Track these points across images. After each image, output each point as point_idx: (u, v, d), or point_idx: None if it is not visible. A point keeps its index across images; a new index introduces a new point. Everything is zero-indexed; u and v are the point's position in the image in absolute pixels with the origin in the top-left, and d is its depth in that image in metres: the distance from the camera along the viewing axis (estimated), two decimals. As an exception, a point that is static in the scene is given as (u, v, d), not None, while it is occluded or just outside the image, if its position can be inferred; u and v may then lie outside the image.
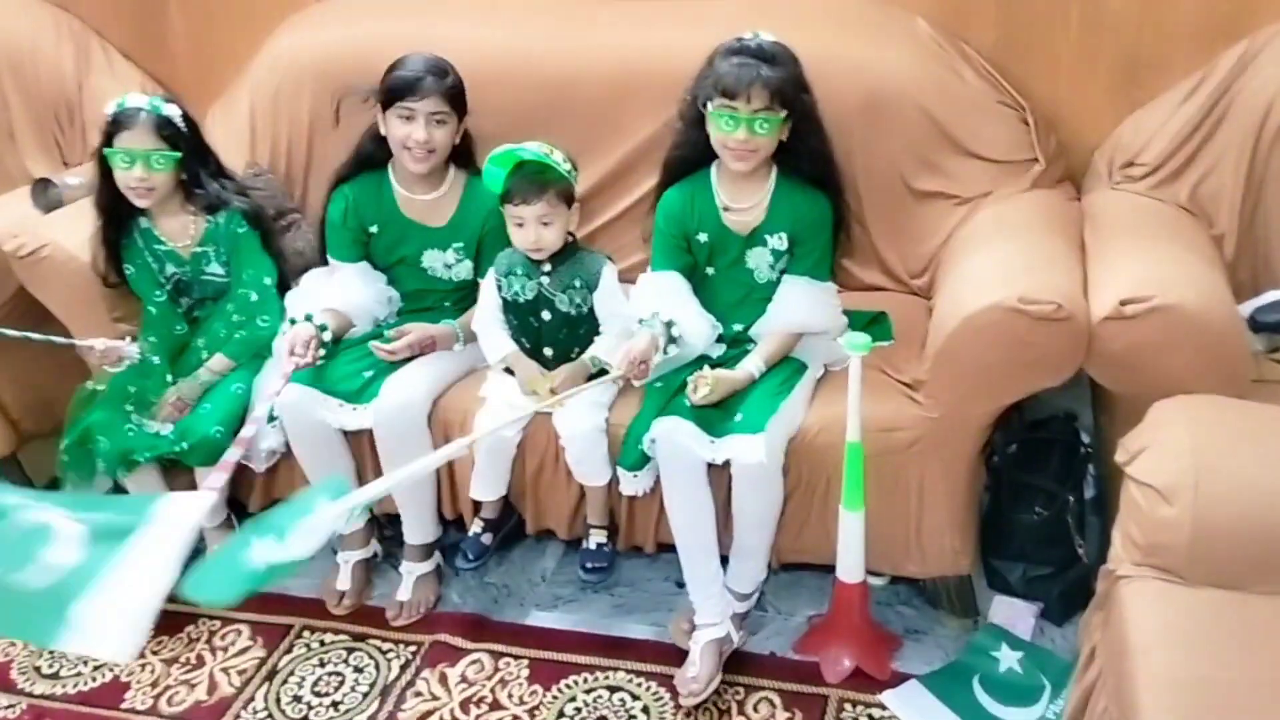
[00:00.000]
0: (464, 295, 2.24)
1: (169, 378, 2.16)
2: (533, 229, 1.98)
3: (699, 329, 2.04)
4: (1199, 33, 2.17)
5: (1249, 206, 2.10)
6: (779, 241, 2.04)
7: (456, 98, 2.13)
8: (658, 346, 1.95)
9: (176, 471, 2.21)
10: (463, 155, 2.21)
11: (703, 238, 2.06)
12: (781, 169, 2.04)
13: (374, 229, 2.22)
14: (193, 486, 2.24)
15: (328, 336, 2.11)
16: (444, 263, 2.24)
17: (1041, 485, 2.12)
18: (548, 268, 2.04)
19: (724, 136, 1.94)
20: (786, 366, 2.05)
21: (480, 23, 2.43)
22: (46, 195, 2.38)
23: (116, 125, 2.11)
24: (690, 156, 2.06)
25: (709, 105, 1.94)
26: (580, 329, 2.07)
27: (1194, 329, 1.72)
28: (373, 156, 2.21)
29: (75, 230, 2.24)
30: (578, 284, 2.04)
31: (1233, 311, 1.80)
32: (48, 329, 2.23)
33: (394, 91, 2.09)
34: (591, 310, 2.06)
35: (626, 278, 2.20)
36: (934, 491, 1.95)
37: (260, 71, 2.55)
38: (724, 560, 2.03)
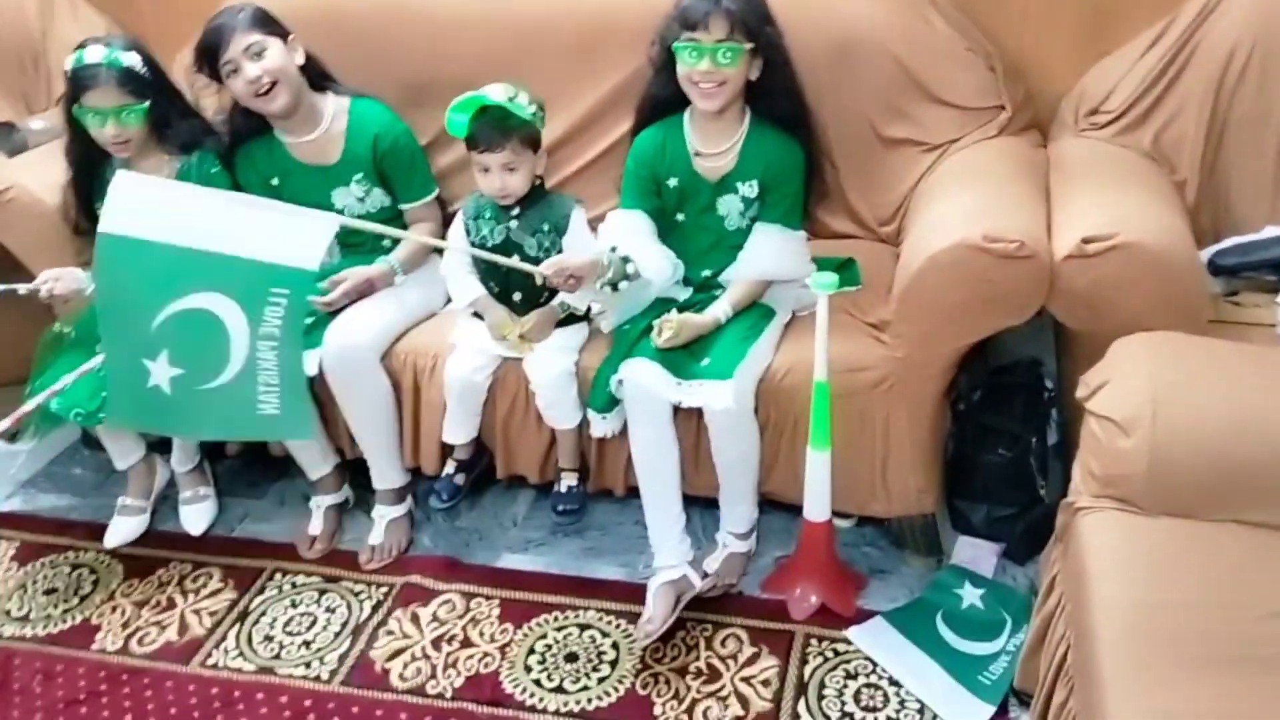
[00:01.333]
0: (392, 224, 2.22)
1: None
2: (498, 175, 1.98)
3: (659, 266, 2.04)
4: (1163, -21, 2.19)
5: (1210, 153, 2.12)
6: (749, 189, 2.05)
7: (262, 22, 2.12)
8: (601, 272, 1.93)
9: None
10: (320, 77, 2.20)
11: (673, 182, 2.07)
12: (754, 114, 2.05)
13: (275, 181, 2.22)
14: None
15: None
16: (354, 197, 2.24)
17: (1005, 428, 2.16)
18: (516, 211, 2.05)
19: (689, 70, 1.94)
20: (754, 311, 2.06)
21: (451, -34, 2.42)
22: (10, 140, 2.37)
23: (79, 84, 2.08)
24: (662, 97, 2.06)
25: (674, 43, 1.94)
26: (549, 273, 2.08)
27: (1154, 267, 1.75)
28: (250, 127, 2.21)
29: (41, 174, 2.23)
30: (546, 228, 2.05)
31: (1192, 251, 1.83)
32: (13, 275, 2.21)
33: (208, 57, 2.11)
34: (560, 254, 2.06)
35: (599, 222, 2.21)
36: (899, 432, 1.98)
37: (226, 17, 2.52)
38: (714, 504, 2.07)
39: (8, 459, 2.52)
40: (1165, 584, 1.45)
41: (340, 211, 2.21)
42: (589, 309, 2.09)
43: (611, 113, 2.34)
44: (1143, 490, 1.55)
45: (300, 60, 2.16)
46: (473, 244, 2.08)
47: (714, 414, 1.94)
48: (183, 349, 1.79)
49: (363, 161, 2.20)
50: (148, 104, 2.12)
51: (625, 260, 1.96)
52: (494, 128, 1.96)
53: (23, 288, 2.07)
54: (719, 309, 2.02)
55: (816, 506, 2.00)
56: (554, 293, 2.07)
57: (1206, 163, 2.13)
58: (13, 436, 2.48)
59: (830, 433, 1.92)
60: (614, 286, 1.96)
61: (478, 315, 2.10)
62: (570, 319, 2.09)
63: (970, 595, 2.03)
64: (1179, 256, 1.78)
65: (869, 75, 2.22)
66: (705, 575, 2.02)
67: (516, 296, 2.10)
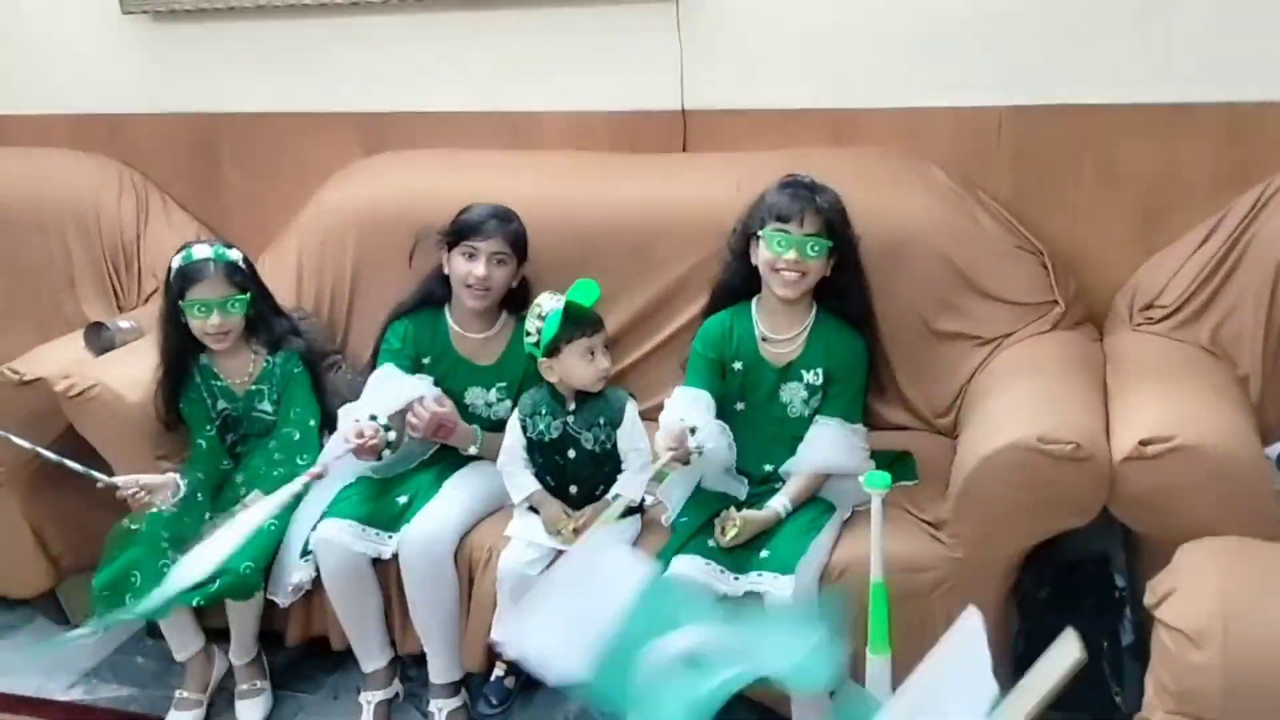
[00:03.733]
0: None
1: (205, 515, 2.21)
2: (602, 356, 2.06)
3: (719, 442, 2.05)
4: (1212, 180, 2.23)
5: (1272, 347, 2.10)
6: (814, 377, 2.10)
7: (517, 242, 2.26)
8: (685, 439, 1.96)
9: (205, 607, 2.24)
10: (517, 301, 2.31)
11: (738, 366, 2.12)
12: (821, 308, 2.12)
13: (427, 360, 2.30)
14: (224, 622, 2.27)
15: (392, 436, 2.13)
16: (485, 400, 2.31)
17: (1074, 628, 2.07)
18: (572, 406, 2.09)
19: (775, 257, 2.04)
20: (814, 506, 2.05)
21: (513, 176, 2.55)
22: (99, 338, 2.49)
23: (186, 279, 2.22)
24: (735, 285, 2.17)
25: (761, 231, 2.05)
26: (605, 466, 2.10)
27: (1217, 469, 1.71)
28: (434, 295, 2.32)
29: (124, 372, 2.33)
30: (601, 421, 2.09)
31: (1257, 452, 1.79)
32: (92, 467, 2.28)
33: (461, 231, 2.24)
34: (614, 447, 2.09)
35: (651, 416, 2.24)
36: (962, 635, 1.92)
37: (308, 222, 2.68)
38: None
39: (73, 646, 2.55)
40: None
41: (465, 407, 2.29)
42: (643, 502, 2.10)
43: (665, 309, 2.41)
44: (1219, 708, 1.48)
45: (515, 284, 2.29)
46: (530, 439, 2.12)
47: (773, 604, 1.90)
48: None
49: (511, 374, 2.29)
50: (250, 295, 2.25)
51: (693, 430, 1.98)
52: (587, 314, 2.05)
53: (102, 480, 2.12)
54: (778, 503, 2.02)
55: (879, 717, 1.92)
56: (609, 486, 2.09)
57: (1269, 357, 2.11)
58: (67, 623, 2.53)
59: (890, 635, 1.86)
60: (684, 462, 1.98)
61: (534, 510, 2.12)
62: (625, 513, 2.09)
63: (1045, 813, 1.91)
64: (1243, 457, 1.74)
65: (920, 271, 2.26)
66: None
67: (573, 490, 2.12)
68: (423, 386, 2.23)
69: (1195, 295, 2.17)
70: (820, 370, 2.09)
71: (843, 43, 2.42)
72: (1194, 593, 1.56)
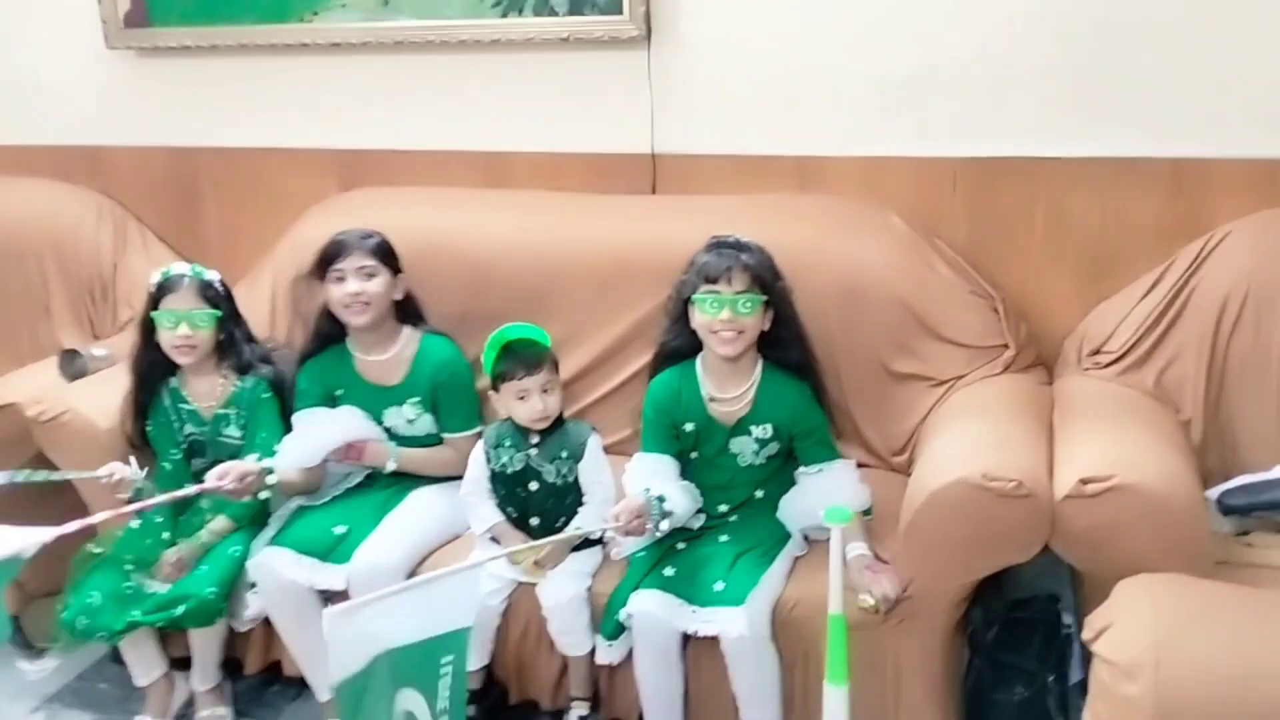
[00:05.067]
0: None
1: (165, 535, 2.24)
2: (538, 398, 2.09)
3: (685, 505, 2.10)
4: (1158, 231, 2.32)
5: (1213, 393, 2.17)
6: (763, 431, 2.13)
7: (381, 252, 2.32)
8: (648, 512, 1.99)
9: (171, 632, 2.26)
10: (411, 315, 2.38)
11: (689, 427, 2.14)
12: (766, 361, 2.15)
13: (340, 393, 2.36)
14: (186, 648, 2.29)
15: (271, 479, 2.20)
16: (405, 418, 2.36)
17: (1022, 665, 2.12)
18: (536, 439, 2.13)
19: (709, 320, 2.06)
20: (768, 537, 2.10)
21: (486, 215, 2.62)
22: (73, 365, 2.53)
23: (162, 290, 2.28)
24: (676, 346, 2.18)
25: (694, 295, 2.07)
26: (566, 498, 2.14)
27: (1154, 509, 1.77)
28: (329, 333, 2.38)
29: (96, 399, 2.37)
30: (564, 454, 2.13)
31: (1193, 492, 1.85)
32: (60, 493, 2.30)
33: (325, 260, 2.31)
34: (577, 480, 2.13)
35: (615, 451, 2.29)
36: (911, 668, 1.97)
37: (283, 255, 2.73)
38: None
39: (30, 671, 2.56)
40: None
41: (388, 430, 2.36)
42: (603, 535, 2.14)
43: (630, 347, 2.46)
44: (1150, 740, 1.52)
45: (398, 296, 2.36)
46: (493, 471, 2.16)
47: (729, 642, 1.94)
48: None
49: (421, 388, 2.34)
50: (220, 314, 2.30)
51: (660, 500, 2.01)
52: (530, 353, 2.09)
53: (81, 475, 2.19)
54: (854, 549, 1.99)
55: (837, 745, 1.95)
56: (570, 518, 2.13)
57: (1210, 403, 2.18)
58: (40, 653, 2.54)
59: (848, 667, 1.90)
60: (656, 529, 2.00)
61: (495, 540, 2.16)
62: (584, 544, 2.13)
63: (990, 845, 1.95)
64: (1180, 498, 1.80)
65: (877, 316, 2.32)
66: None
67: (534, 522, 2.16)
68: (344, 426, 2.30)
69: (1140, 342, 2.24)
70: (770, 425, 2.12)
71: (807, 92, 2.50)
72: (1128, 627, 1.60)
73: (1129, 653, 1.56)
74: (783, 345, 2.14)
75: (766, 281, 2.08)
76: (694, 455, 2.17)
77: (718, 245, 2.11)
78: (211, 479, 2.16)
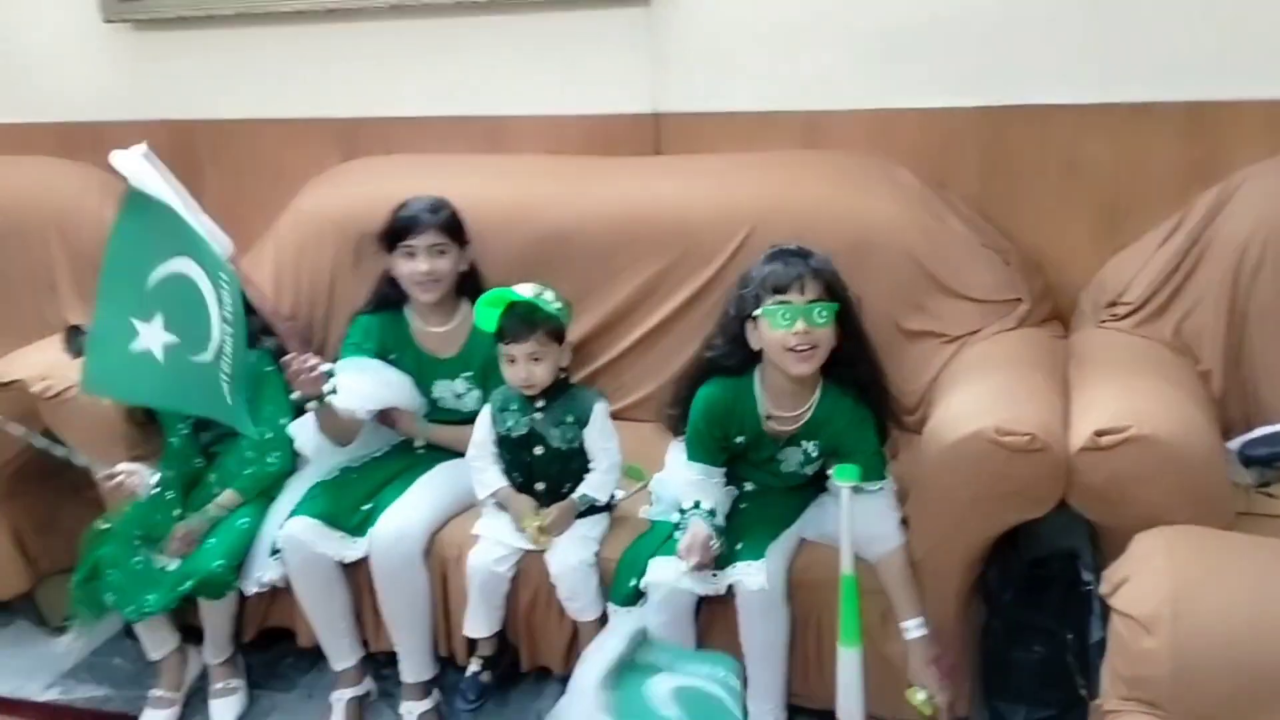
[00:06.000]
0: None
1: (176, 512, 2.23)
2: (524, 365, 2.06)
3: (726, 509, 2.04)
4: (1174, 178, 2.26)
5: (1233, 343, 2.12)
6: (812, 448, 2.03)
7: (451, 228, 2.28)
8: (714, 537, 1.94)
9: (180, 606, 2.26)
10: (472, 288, 2.32)
11: (740, 440, 2.03)
12: (827, 380, 1.98)
13: (392, 356, 2.33)
14: (197, 619, 2.29)
15: (330, 386, 2.12)
16: (453, 392, 2.33)
17: (1041, 624, 2.08)
18: (540, 404, 2.11)
19: (783, 334, 1.87)
20: (788, 508, 2.06)
21: (487, 180, 2.58)
22: (78, 341, 2.51)
23: None
24: (727, 365, 1.99)
25: (758, 311, 1.89)
26: (572, 464, 2.12)
27: (1171, 460, 1.72)
28: (389, 297, 2.35)
29: (100, 374, 2.36)
30: (569, 420, 2.10)
31: (1211, 444, 1.81)
32: (68, 469, 2.30)
33: (395, 233, 2.26)
34: (582, 446, 2.10)
35: (623, 416, 2.27)
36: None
37: (286, 226, 2.71)
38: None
39: (53, 647, 2.57)
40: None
41: (434, 402, 2.34)
42: (611, 500, 2.12)
43: (636, 311, 2.44)
44: (1168, 694, 1.49)
45: (464, 268, 2.32)
46: (499, 434, 2.14)
47: (747, 595, 1.92)
48: (175, 315, 1.83)
49: (475, 362, 2.31)
50: None
51: (712, 513, 1.97)
52: (521, 320, 2.05)
53: (71, 455, 2.18)
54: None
55: (850, 708, 1.93)
56: (576, 484, 2.11)
57: (1230, 353, 2.13)
58: (60, 630, 2.55)
59: (860, 629, 1.88)
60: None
61: (502, 506, 2.14)
62: (590, 510, 2.11)
63: (1009, 804, 1.93)
64: (1197, 449, 1.76)
65: (887, 271, 2.28)
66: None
67: (540, 487, 2.13)
68: (396, 391, 2.27)
69: (1158, 292, 2.19)
70: (818, 443, 2.01)
71: (811, 46, 2.45)
72: (1145, 580, 1.57)
73: (1146, 606, 1.53)
74: (848, 362, 1.95)
75: (836, 289, 1.90)
76: (738, 458, 2.08)
77: (781, 253, 1.92)
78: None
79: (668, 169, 2.55)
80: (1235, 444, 2.01)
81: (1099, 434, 1.74)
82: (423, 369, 2.33)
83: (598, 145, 2.63)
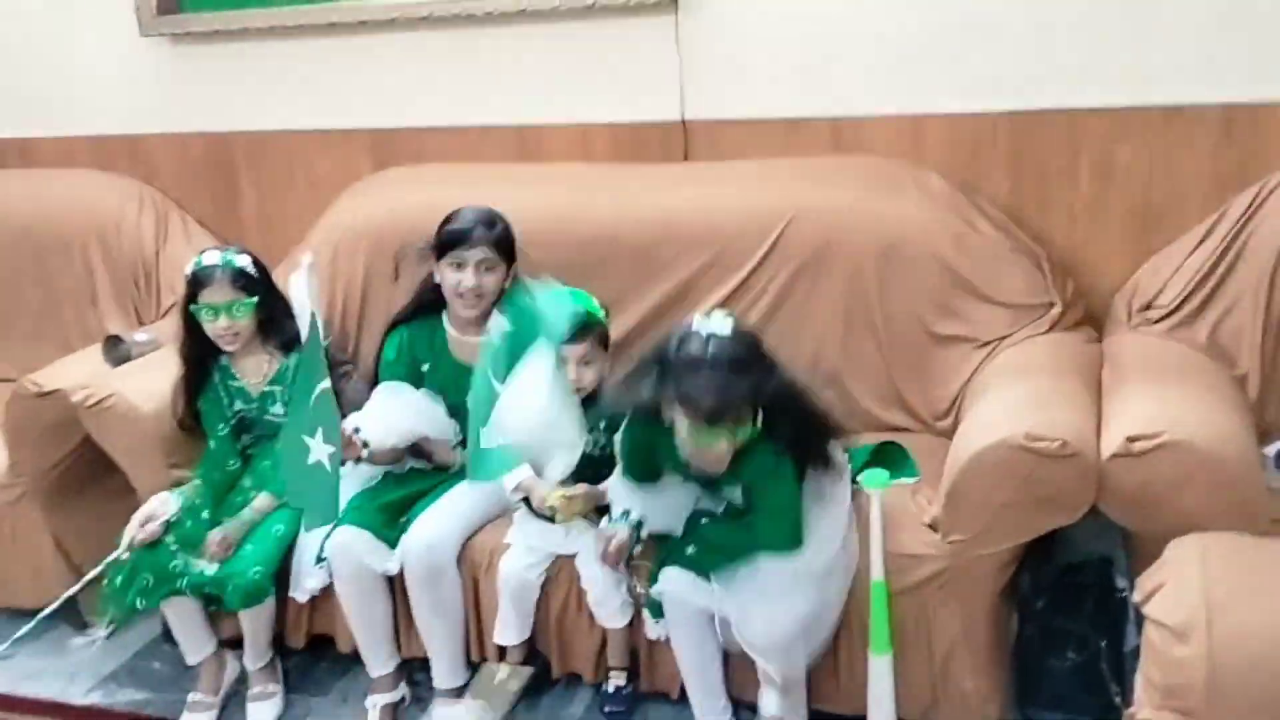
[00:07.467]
0: None
1: (205, 515, 2.26)
2: (574, 367, 2.07)
3: (668, 521, 2.04)
4: (1208, 181, 2.24)
5: (1270, 346, 2.10)
6: (734, 493, 2.00)
7: (504, 245, 2.28)
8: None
9: (219, 612, 2.29)
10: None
11: (669, 469, 2.00)
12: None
13: (425, 367, 2.34)
14: (235, 626, 2.32)
15: (366, 454, 2.17)
16: None
17: (1074, 630, 2.07)
18: (574, 410, 2.12)
19: (700, 450, 1.85)
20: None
21: (520, 188, 2.59)
22: (116, 351, 2.56)
23: (197, 284, 2.30)
24: (651, 410, 1.91)
25: (674, 412, 1.84)
26: (603, 469, 2.12)
27: (1205, 466, 1.71)
28: (429, 304, 2.36)
29: (140, 383, 2.39)
30: (601, 425, 2.12)
31: (1247, 449, 1.79)
32: (109, 475, 2.39)
33: (447, 242, 2.26)
34: (613, 453, 2.11)
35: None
36: (956, 636, 1.93)
37: (320, 235, 2.74)
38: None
39: (93, 651, 2.61)
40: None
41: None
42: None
43: (667, 316, 2.42)
44: (1204, 702, 1.47)
45: (507, 284, 2.30)
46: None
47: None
48: (327, 427, 1.94)
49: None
50: (256, 300, 2.31)
51: (639, 524, 2.00)
52: (579, 322, 2.05)
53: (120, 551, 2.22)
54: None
55: (881, 716, 1.93)
56: (600, 476, 2.10)
57: (1267, 356, 2.10)
58: (84, 625, 2.59)
59: (890, 635, 1.87)
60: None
61: (526, 502, 2.13)
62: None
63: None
64: (1232, 454, 1.74)
65: (917, 276, 2.28)
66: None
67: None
68: (428, 420, 2.28)
69: (1193, 295, 2.16)
70: (738, 488, 1.98)
71: (840, 52, 2.45)
72: (1180, 587, 1.55)
73: (1180, 614, 1.52)
74: (771, 421, 1.86)
75: (763, 398, 1.82)
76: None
77: (694, 364, 1.79)
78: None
79: (699, 175, 2.56)
80: (1272, 449, 1.98)
81: (1131, 440, 1.73)
82: (456, 378, 2.33)
83: (627, 153, 2.64)
